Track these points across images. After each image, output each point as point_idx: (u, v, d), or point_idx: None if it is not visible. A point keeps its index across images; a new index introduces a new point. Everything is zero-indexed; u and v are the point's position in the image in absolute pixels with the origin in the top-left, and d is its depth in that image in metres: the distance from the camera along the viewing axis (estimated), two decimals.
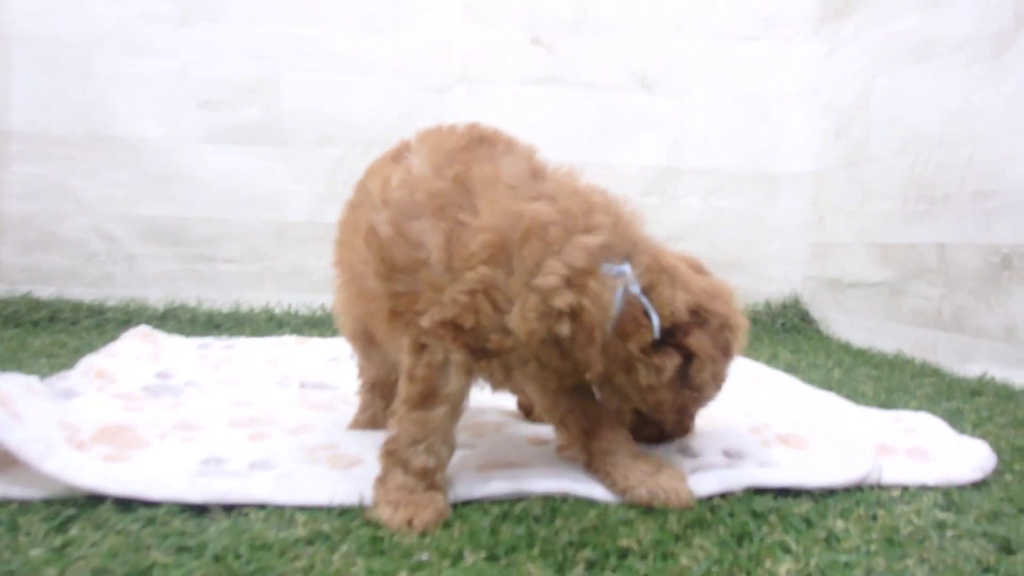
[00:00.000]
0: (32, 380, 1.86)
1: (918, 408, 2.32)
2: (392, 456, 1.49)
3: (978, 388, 2.72)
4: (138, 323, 3.30)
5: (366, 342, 2.01)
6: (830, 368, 3.16)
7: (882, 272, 3.70)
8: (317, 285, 4.05)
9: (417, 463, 1.47)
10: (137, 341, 2.93)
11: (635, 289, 1.50)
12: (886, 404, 2.46)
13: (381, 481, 1.49)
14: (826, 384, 2.76)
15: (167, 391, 2.40)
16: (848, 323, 3.97)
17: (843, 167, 4.06)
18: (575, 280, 1.41)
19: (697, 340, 1.53)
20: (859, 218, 3.91)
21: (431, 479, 1.49)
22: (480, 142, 1.58)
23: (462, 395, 1.53)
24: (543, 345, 1.47)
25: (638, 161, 4.37)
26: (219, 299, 3.97)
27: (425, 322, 1.46)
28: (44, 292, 3.81)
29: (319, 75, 4.11)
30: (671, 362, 1.53)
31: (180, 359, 2.85)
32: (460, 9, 4.23)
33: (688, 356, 1.55)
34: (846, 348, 3.73)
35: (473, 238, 1.41)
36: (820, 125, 4.32)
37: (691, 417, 1.79)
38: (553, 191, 1.48)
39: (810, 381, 2.78)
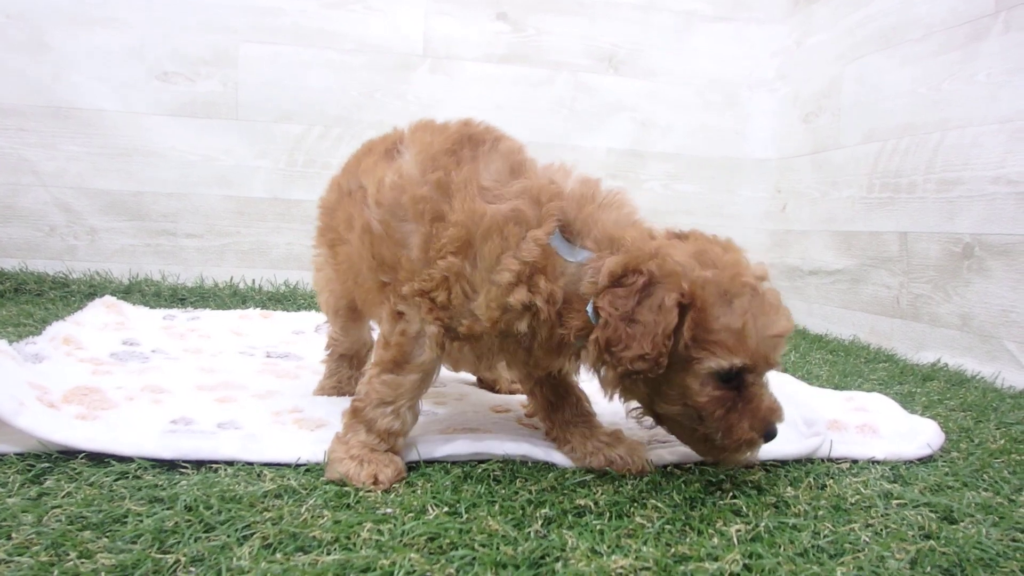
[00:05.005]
0: (1, 343, 1.88)
1: (871, 391, 2.38)
2: (357, 414, 1.54)
3: (930, 374, 2.79)
4: (103, 295, 3.30)
5: (347, 318, 2.09)
6: (786, 352, 3.21)
7: (843, 260, 3.76)
8: (279, 262, 4.02)
9: (382, 424, 1.52)
10: (103, 310, 2.96)
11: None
12: (840, 386, 2.53)
13: (342, 438, 1.53)
14: (781, 367, 2.79)
15: (134, 357, 2.43)
16: (806, 310, 4.02)
17: (809, 155, 4.11)
18: (526, 275, 1.46)
19: (599, 300, 1.44)
20: (822, 206, 3.96)
21: (393, 442, 1.54)
22: (467, 142, 1.61)
23: (432, 367, 1.58)
24: (505, 337, 1.52)
25: (604, 144, 4.36)
26: (182, 274, 3.95)
27: (404, 289, 1.52)
28: (7, 264, 3.77)
29: (278, 48, 4.03)
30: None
31: (146, 329, 2.87)
32: None
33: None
34: (803, 334, 3.79)
35: (445, 232, 1.49)
36: (788, 112, 4.35)
37: (718, 420, 1.49)
38: (521, 189, 1.52)
39: None
